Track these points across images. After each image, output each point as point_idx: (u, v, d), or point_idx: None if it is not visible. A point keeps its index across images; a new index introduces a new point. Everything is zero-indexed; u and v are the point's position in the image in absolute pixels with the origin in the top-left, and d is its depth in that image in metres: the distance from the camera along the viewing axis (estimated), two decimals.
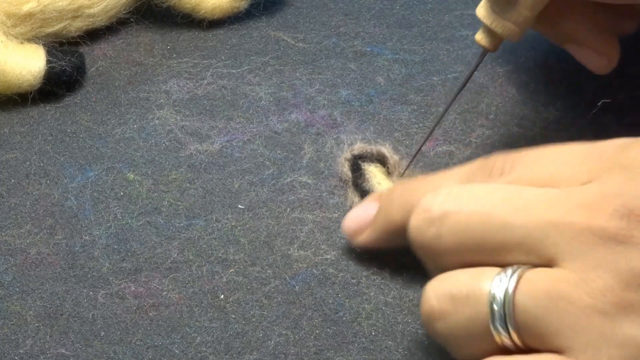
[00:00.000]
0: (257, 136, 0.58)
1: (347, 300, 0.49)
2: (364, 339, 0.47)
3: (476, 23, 0.63)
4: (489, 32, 0.51)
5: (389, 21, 0.65)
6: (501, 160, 0.44)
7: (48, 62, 0.60)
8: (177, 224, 0.53)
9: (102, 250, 0.52)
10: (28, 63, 0.60)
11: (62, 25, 0.63)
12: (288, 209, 0.53)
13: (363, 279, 0.49)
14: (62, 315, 0.49)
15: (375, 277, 0.50)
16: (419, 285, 0.49)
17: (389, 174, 0.53)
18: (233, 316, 0.48)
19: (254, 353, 0.47)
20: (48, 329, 0.48)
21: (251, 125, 0.58)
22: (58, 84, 0.61)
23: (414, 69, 0.61)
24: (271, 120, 0.59)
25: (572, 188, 0.41)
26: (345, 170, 0.53)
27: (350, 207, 0.52)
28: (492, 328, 0.41)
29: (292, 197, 0.54)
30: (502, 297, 0.40)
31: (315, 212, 0.53)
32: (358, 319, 0.48)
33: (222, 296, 0.49)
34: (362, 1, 0.67)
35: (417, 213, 0.43)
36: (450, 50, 0.62)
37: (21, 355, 0.47)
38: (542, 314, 0.40)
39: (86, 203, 0.54)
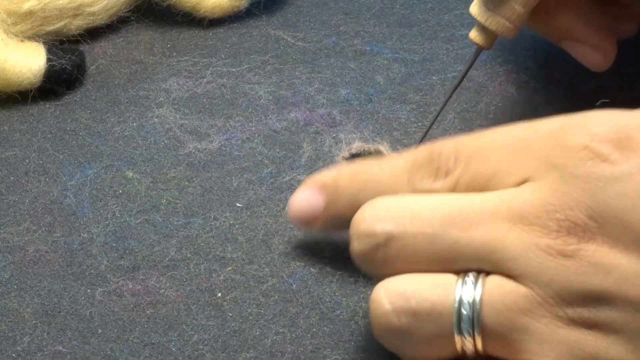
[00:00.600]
0: (256, 135, 0.58)
1: (345, 299, 0.49)
2: (360, 338, 0.47)
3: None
4: (483, 29, 0.51)
5: (388, 20, 0.65)
6: (445, 154, 0.43)
7: (48, 60, 0.60)
8: (176, 222, 0.53)
9: (100, 248, 0.52)
10: (28, 61, 0.60)
11: (62, 23, 0.63)
12: (286, 208, 0.53)
13: (360, 277, 0.49)
14: (59, 312, 0.49)
15: None
16: None
17: None
18: (230, 314, 0.48)
19: (251, 351, 0.47)
20: (45, 327, 0.48)
21: (250, 124, 0.58)
22: (58, 82, 0.61)
23: (414, 68, 0.61)
24: (270, 119, 0.59)
25: (511, 194, 0.41)
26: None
27: None
28: (456, 336, 0.41)
29: (291, 195, 0.54)
30: (467, 309, 0.40)
31: None
32: (355, 318, 0.48)
33: (219, 294, 0.49)
34: (362, 0, 0.67)
35: (360, 238, 0.43)
36: (449, 50, 0.62)
37: (18, 353, 0.47)
38: (508, 328, 0.40)
39: (85, 201, 0.54)
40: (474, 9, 0.50)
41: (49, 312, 0.49)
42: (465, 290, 0.40)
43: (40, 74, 0.60)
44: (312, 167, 0.55)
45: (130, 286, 0.50)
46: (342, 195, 0.47)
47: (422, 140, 0.55)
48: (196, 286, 0.50)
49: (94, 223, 0.53)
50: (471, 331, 0.40)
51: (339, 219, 0.47)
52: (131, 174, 0.56)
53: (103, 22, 0.64)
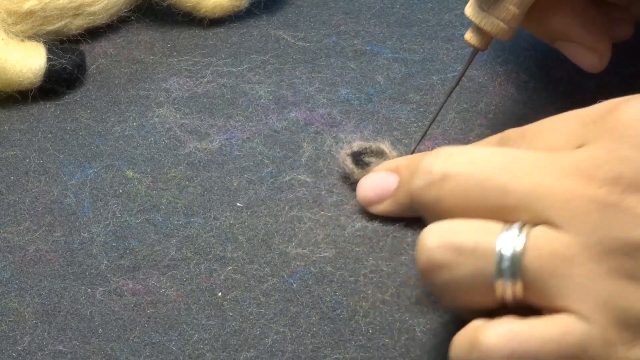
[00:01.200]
0: (257, 134, 0.58)
1: (345, 298, 0.49)
2: (361, 337, 0.47)
3: None
4: (478, 30, 0.51)
5: (389, 20, 0.65)
6: (513, 133, 0.46)
7: (48, 59, 0.60)
8: (176, 222, 0.53)
9: (100, 248, 0.52)
10: (28, 61, 0.60)
11: (62, 23, 0.63)
12: (286, 207, 0.53)
13: (361, 277, 0.49)
14: (60, 312, 0.49)
15: (373, 275, 0.50)
16: (417, 284, 0.49)
17: None
18: (230, 314, 0.48)
19: (251, 350, 0.47)
20: (46, 326, 0.48)
21: (250, 124, 0.58)
22: (58, 82, 0.61)
23: (414, 68, 0.61)
24: (270, 118, 0.59)
25: (565, 152, 0.42)
26: (349, 164, 0.53)
27: (353, 206, 0.52)
28: (496, 283, 0.41)
29: (291, 195, 0.54)
30: (510, 254, 0.41)
31: (313, 210, 0.53)
32: (355, 317, 0.48)
33: (219, 294, 0.49)
34: (362, 0, 0.67)
35: (419, 175, 0.44)
36: (450, 50, 0.62)
37: (19, 352, 0.47)
38: (549, 274, 0.41)
39: (85, 200, 0.54)
40: (469, 10, 0.50)
41: (50, 311, 0.49)
42: (509, 237, 0.41)
43: (41, 73, 0.60)
44: (312, 167, 0.55)
45: (131, 286, 0.50)
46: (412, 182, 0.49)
47: (421, 140, 0.55)
48: (196, 286, 0.50)
49: (94, 223, 0.53)
50: (512, 276, 0.41)
51: (408, 201, 0.49)
52: (131, 173, 0.56)
53: (103, 22, 0.64)
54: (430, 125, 0.55)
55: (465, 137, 0.56)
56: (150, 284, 0.50)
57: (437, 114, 0.55)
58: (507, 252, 0.41)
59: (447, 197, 0.43)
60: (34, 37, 0.62)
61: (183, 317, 0.48)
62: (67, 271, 0.51)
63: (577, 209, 0.41)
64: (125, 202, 0.54)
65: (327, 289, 0.49)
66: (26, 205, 0.54)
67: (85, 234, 0.53)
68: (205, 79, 0.62)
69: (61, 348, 0.47)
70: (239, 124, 0.58)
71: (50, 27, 0.62)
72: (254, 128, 0.58)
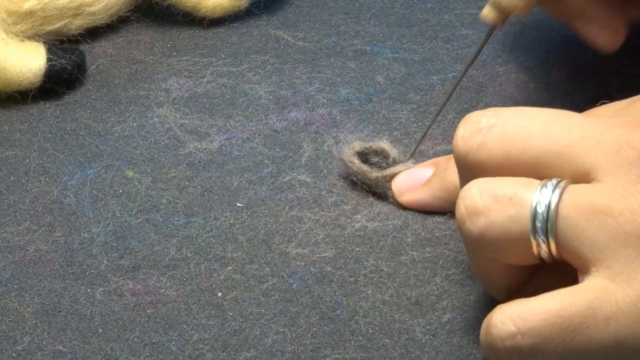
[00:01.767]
0: (257, 134, 0.58)
1: (345, 299, 0.49)
2: (361, 337, 0.47)
3: (476, 23, 0.63)
4: (495, 5, 0.51)
5: (389, 20, 0.65)
6: None
7: (48, 60, 0.60)
8: (176, 222, 0.53)
9: (100, 248, 0.52)
10: (28, 61, 0.60)
11: (62, 23, 0.63)
12: (287, 207, 0.53)
13: (361, 277, 0.49)
14: (59, 312, 0.49)
15: (373, 275, 0.50)
16: (416, 284, 0.49)
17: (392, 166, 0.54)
18: (230, 314, 0.48)
19: (251, 350, 0.47)
20: (46, 326, 0.48)
21: (250, 124, 0.58)
22: (58, 82, 0.61)
23: (414, 68, 0.61)
24: (270, 118, 0.59)
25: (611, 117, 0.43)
26: (357, 163, 0.53)
27: (353, 206, 0.53)
28: (531, 236, 0.41)
29: (291, 195, 0.54)
30: (545, 207, 0.41)
31: (313, 211, 0.53)
32: (355, 317, 0.48)
33: (219, 294, 0.49)
34: (362, 0, 0.67)
35: (466, 123, 0.44)
36: (450, 50, 0.62)
37: (19, 352, 0.47)
38: (583, 226, 0.41)
39: (85, 200, 0.54)
40: None
41: (49, 311, 0.49)
42: (546, 191, 0.41)
43: (41, 73, 0.60)
44: (313, 167, 0.55)
45: (131, 286, 0.50)
46: (449, 170, 0.50)
47: (421, 140, 0.55)
48: (196, 286, 0.50)
49: (94, 223, 0.53)
50: (545, 232, 0.41)
51: (446, 186, 0.50)
52: (131, 173, 0.56)
53: (103, 22, 0.64)
54: (430, 126, 0.55)
55: None
56: (150, 284, 0.50)
57: (441, 111, 0.55)
58: (543, 204, 0.41)
59: (491, 144, 0.43)
60: (33, 37, 0.62)
61: (183, 317, 0.48)
62: (67, 271, 0.51)
63: (622, 157, 0.41)
64: (125, 202, 0.54)
65: (327, 289, 0.49)
66: (26, 205, 0.54)
67: (85, 234, 0.53)
68: (205, 79, 0.62)
69: (61, 348, 0.47)
70: (239, 124, 0.58)
71: (50, 27, 0.62)
72: (254, 128, 0.58)
